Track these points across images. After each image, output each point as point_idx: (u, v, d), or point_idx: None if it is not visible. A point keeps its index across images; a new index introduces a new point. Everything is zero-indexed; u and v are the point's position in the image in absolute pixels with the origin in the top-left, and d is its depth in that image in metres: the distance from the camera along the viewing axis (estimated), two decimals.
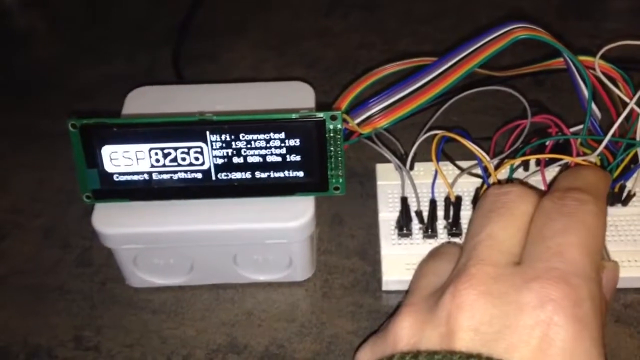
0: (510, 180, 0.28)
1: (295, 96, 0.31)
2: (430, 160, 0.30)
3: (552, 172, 0.28)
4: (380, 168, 0.32)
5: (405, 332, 0.21)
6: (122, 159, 0.26)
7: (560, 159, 0.27)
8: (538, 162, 0.30)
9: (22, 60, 0.43)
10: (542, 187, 0.27)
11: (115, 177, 0.27)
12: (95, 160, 0.26)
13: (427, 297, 0.22)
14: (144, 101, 0.31)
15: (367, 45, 0.42)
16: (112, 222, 0.27)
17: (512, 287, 0.20)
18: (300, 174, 0.27)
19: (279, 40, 0.43)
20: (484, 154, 0.27)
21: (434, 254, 0.26)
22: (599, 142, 0.26)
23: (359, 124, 0.29)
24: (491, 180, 0.27)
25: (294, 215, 0.27)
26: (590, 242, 0.21)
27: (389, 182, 0.31)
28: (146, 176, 0.27)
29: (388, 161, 0.31)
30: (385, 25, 0.43)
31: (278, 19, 0.45)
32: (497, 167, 0.28)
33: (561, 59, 0.27)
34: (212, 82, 0.33)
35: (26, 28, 0.46)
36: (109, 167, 0.26)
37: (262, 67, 0.41)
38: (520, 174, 0.30)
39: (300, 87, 0.32)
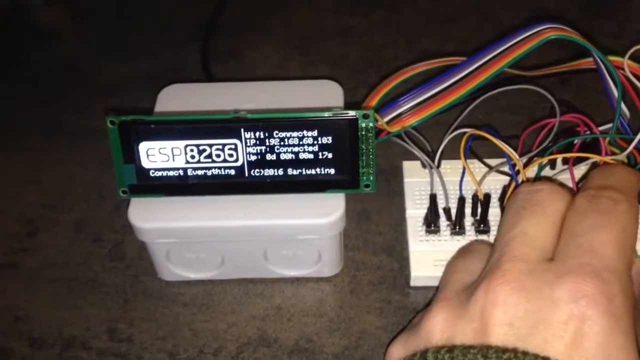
0: (539, 178, 0.28)
1: (324, 94, 0.32)
2: (456, 158, 0.30)
3: (580, 171, 0.28)
4: (407, 165, 0.32)
5: (439, 326, 0.22)
6: (158, 155, 0.27)
7: (589, 158, 0.27)
8: (565, 161, 0.30)
9: (49, 57, 0.43)
10: (571, 186, 0.28)
11: (151, 173, 0.27)
12: (132, 156, 0.27)
13: (460, 293, 0.23)
14: (175, 98, 0.32)
15: (391, 44, 0.42)
16: (148, 216, 0.27)
17: (545, 283, 0.20)
18: (332, 171, 0.27)
19: (302, 39, 0.43)
20: (512, 151, 0.27)
21: (464, 252, 0.26)
22: (628, 141, 0.27)
23: (387, 122, 0.30)
24: (520, 178, 0.27)
25: (325, 212, 0.27)
26: (623, 239, 0.21)
27: (415, 179, 0.31)
28: (181, 172, 0.27)
29: (415, 159, 0.32)
30: (408, 24, 0.44)
31: (301, 18, 0.45)
32: (525, 166, 0.28)
33: (590, 59, 0.27)
34: (239, 81, 0.33)
35: (52, 25, 0.47)
36: (145, 162, 0.27)
37: (286, 66, 0.41)
38: (547, 172, 0.30)
39: (329, 85, 0.32)
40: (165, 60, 0.42)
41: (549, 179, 0.28)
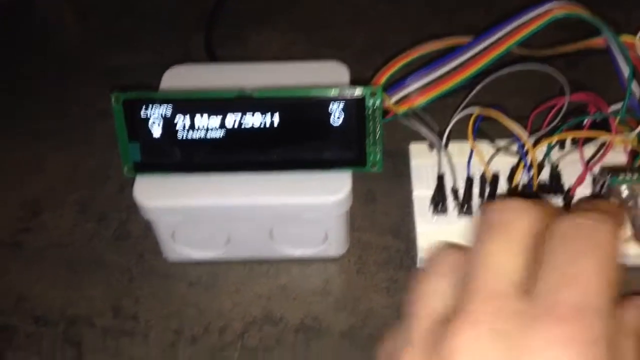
0: (548, 159, 0.28)
1: (330, 75, 0.31)
2: (463, 139, 0.30)
3: (590, 150, 0.28)
4: (414, 147, 0.32)
5: None
6: (162, 133, 0.27)
7: (598, 138, 0.27)
8: (574, 142, 0.30)
9: (55, 45, 0.43)
10: (580, 166, 0.28)
11: (155, 150, 0.27)
12: (136, 134, 0.27)
13: (428, 334, 0.20)
14: (180, 79, 0.32)
15: (396, 31, 0.42)
16: (153, 194, 0.27)
17: (519, 326, 0.18)
18: (338, 149, 0.27)
19: (307, 25, 0.43)
20: (521, 131, 0.27)
21: (431, 267, 0.22)
22: (639, 121, 0.26)
23: (395, 103, 0.29)
24: (529, 158, 0.27)
25: (332, 191, 0.27)
26: (609, 268, 0.19)
27: (422, 160, 0.31)
28: (186, 150, 0.27)
29: (421, 140, 0.32)
30: (414, 11, 0.44)
31: (305, 3, 0.45)
32: (534, 146, 0.28)
33: (600, 38, 0.27)
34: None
35: (57, 14, 0.47)
36: (150, 140, 0.27)
37: (291, 51, 0.41)
38: (557, 152, 0.30)
39: (335, 67, 0.32)
40: (170, 49, 0.42)
41: (527, 193, 0.26)
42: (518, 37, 0.27)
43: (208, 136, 0.27)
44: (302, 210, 0.28)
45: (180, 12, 0.45)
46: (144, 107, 0.26)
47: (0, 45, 0.43)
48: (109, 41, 0.43)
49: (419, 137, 0.32)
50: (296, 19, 0.43)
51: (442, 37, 0.40)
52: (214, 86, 0.30)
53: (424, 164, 0.31)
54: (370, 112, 0.26)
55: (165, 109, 0.26)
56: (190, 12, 0.44)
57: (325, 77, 0.31)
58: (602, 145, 0.27)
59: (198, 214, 0.28)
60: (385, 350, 0.22)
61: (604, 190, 0.27)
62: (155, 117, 0.26)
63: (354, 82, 0.31)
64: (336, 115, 0.26)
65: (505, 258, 0.19)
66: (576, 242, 0.19)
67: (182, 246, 0.30)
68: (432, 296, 0.21)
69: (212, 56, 0.40)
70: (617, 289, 0.19)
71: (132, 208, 0.32)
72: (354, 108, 0.26)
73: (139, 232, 0.32)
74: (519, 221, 0.20)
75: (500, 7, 0.42)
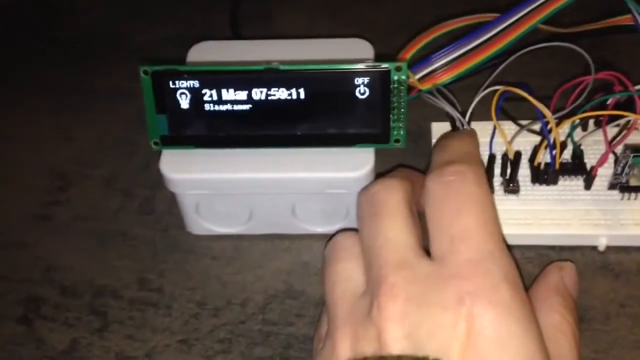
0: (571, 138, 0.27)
1: (354, 52, 0.31)
2: (484, 120, 0.30)
3: (613, 130, 0.28)
4: (436, 127, 0.32)
5: (346, 354, 0.21)
6: (190, 106, 0.27)
7: (623, 117, 0.27)
8: (597, 121, 0.30)
9: (81, 21, 0.44)
10: (604, 146, 0.27)
11: (183, 124, 0.27)
12: (164, 107, 0.27)
13: (353, 311, 0.22)
14: (206, 54, 0.32)
15: (419, 11, 0.42)
16: (179, 167, 0.28)
17: (431, 288, 0.21)
18: (363, 124, 0.27)
19: (330, 4, 0.43)
20: (546, 109, 0.27)
21: (334, 255, 0.24)
22: None
23: (419, 80, 0.29)
24: (552, 137, 0.27)
25: (356, 166, 0.27)
26: (485, 215, 0.22)
27: None
28: (212, 123, 0.27)
29: (443, 120, 0.32)
30: None
31: None
32: (557, 125, 0.28)
33: (628, 16, 0.27)
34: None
35: None
36: (177, 113, 0.27)
37: (316, 29, 0.41)
38: (580, 132, 0.30)
39: (359, 44, 0.32)
40: (194, 24, 0.42)
41: (392, 174, 0.26)
42: (543, 14, 0.27)
43: (234, 110, 0.27)
44: (325, 186, 0.28)
45: None
46: (172, 79, 0.27)
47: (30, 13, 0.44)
48: (132, 16, 0.43)
49: (437, 117, 0.32)
50: None
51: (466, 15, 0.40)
52: (240, 61, 0.30)
53: None
54: (395, 86, 0.26)
55: (193, 82, 0.27)
56: None
57: (350, 53, 0.31)
58: (627, 124, 0.27)
59: (222, 188, 0.28)
60: (319, 336, 0.24)
61: (626, 170, 0.27)
62: (183, 90, 0.27)
63: (378, 58, 0.31)
64: (361, 89, 0.26)
65: (395, 231, 0.22)
66: (450, 201, 0.22)
67: (206, 221, 0.30)
68: (344, 280, 0.23)
69: (237, 36, 0.40)
70: (498, 228, 0.22)
71: (157, 184, 0.33)
72: (379, 82, 0.26)
73: (163, 208, 0.32)
74: (393, 196, 0.23)
75: None
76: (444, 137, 0.27)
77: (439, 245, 0.22)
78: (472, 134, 0.27)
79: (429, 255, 0.22)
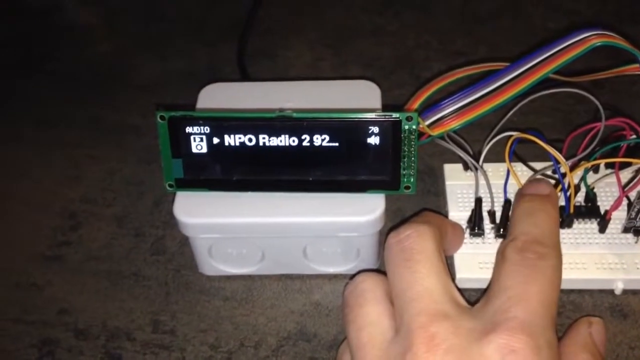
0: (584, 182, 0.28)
1: (362, 94, 0.32)
2: (496, 161, 0.31)
3: (626, 175, 0.28)
4: (448, 168, 0.33)
5: None
6: (205, 150, 0.28)
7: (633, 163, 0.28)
8: (608, 165, 0.30)
9: (86, 55, 0.44)
10: (615, 190, 0.28)
11: (197, 168, 0.28)
12: (180, 151, 0.28)
13: (383, 358, 0.22)
14: (216, 97, 0.33)
15: (423, 45, 0.43)
16: (192, 211, 0.28)
17: (473, 341, 0.21)
18: (373, 171, 0.28)
19: (334, 39, 0.44)
20: (559, 155, 0.27)
21: (357, 298, 0.24)
22: None
23: (429, 125, 0.30)
24: (566, 181, 0.28)
25: (366, 210, 0.28)
26: (549, 293, 0.22)
27: (457, 182, 0.32)
28: (226, 167, 0.28)
29: (454, 161, 0.32)
30: (439, 25, 0.44)
31: (332, 17, 0.46)
32: (571, 170, 0.28)
33: (636, 65, 0.27)
34: (274, 80, 0.34)
35: (87, 24, 0.48)
36: (192, 157, 0.28)
37: (319, 66, 0.42)
38: (592, 176, 0.30)
39: (366, 86, 0.33)
40: (199, 59, 0.43)
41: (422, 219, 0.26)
42: (555, 64, 0.28)
43: (247, 154, 0.28)
44: (336, 229, 0.28)
45: (210, 20, 0.46)
46: (188, 125, 0.27)
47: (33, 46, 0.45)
48: (137, 50, 0.44)
49: (448, 158, 0.33)
50: (324, 34, 0.44)
51: (470, 52, 0.41)
52: (249, 105, 0.31)
53: (459, 185, 0.32)
54: (405, 135, 0.27)
55: (208, 127, 0.27)
56: (220, 21, 0.45)
57: (357, 96, 0.32)
58: (638, 171, 0.28)
59: (235, 231, 0.29)
60: None
61: (639, 215, 0.28)
62: (198, 135, 0.27)
63: (384, 101, 0.32)
64: (373, 138, 0.27)
65: (432, 280, 0.22)
66: (522, 271, 0.22)
67: (218, 262, 0.30)
68: (370, 324, 0.23)
69: (243, 71, 0.40)
70: (555, 308, 0.22)
71: (168, 223, 0.33)
72: (390, 131, 0.27)
73: (174, 248, 0.32)
74: (427, 244, 0.23)
75: (525, 21, 0.43)
76: (529, 196, 0.26)
77: (492, 301, 0.22)
78: (555, 202, 0.26)
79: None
